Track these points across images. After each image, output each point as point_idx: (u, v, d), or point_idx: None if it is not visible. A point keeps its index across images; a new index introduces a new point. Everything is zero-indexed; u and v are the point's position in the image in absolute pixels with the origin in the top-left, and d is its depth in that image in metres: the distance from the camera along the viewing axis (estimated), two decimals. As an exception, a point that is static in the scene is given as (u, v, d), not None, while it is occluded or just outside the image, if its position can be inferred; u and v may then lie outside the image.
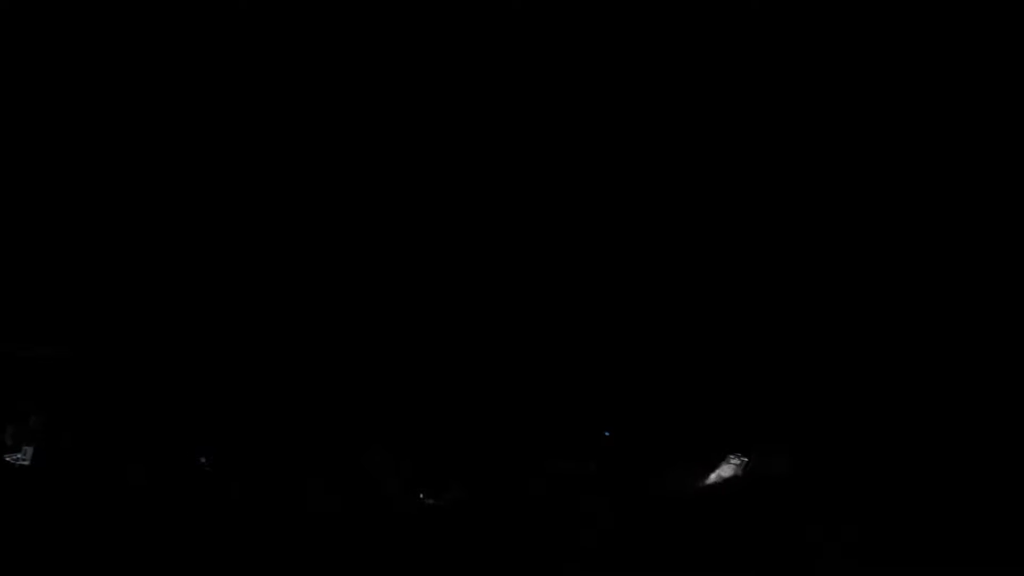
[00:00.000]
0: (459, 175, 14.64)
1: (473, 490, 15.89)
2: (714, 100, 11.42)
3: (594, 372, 14.33)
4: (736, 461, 12.64)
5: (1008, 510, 8.59)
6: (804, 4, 10.26)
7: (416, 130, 13.90)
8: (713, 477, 13.17)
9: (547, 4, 10.56)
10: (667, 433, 13.94)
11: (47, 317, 13.42)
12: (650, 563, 10.22)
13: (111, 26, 11.21)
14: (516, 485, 15.48)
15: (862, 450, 11.11)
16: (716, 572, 9.85)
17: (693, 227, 13.10)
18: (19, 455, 13.35)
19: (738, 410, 13.04)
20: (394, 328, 16.07)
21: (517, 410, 15.73)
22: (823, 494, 10.68)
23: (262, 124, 12.96)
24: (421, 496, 15.47)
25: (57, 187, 12.67)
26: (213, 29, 11.47)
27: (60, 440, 13.51)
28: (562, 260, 14.29)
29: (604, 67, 11.79)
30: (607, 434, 13.71)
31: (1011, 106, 10.44)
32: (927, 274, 11.63)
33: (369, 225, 16.03)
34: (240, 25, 11.39)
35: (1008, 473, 9.21)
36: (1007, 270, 11.19)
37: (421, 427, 16.80)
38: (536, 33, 11.12)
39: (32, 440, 13.71)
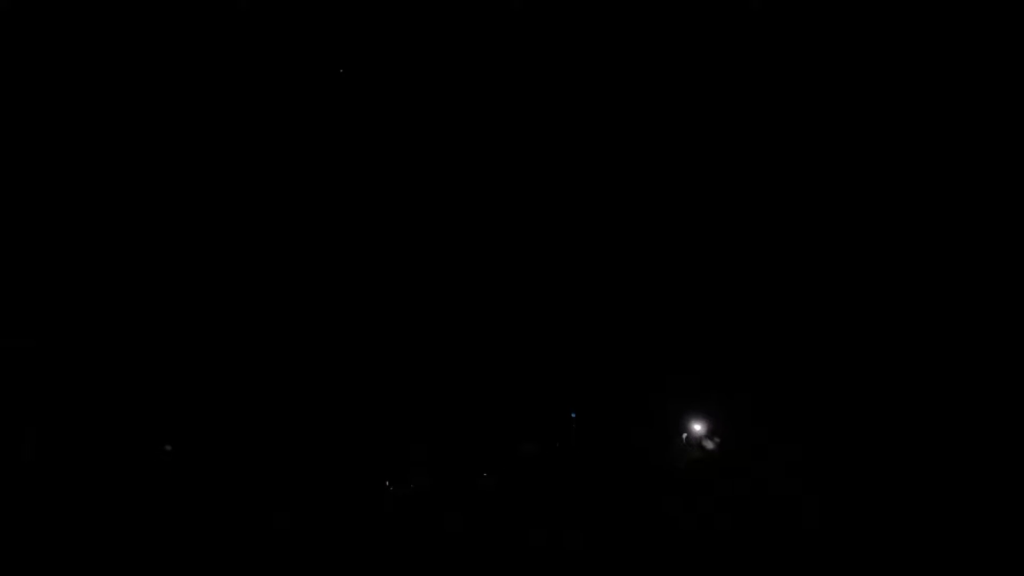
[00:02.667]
0: (421, 171, 16.34)
1: (441, 477, 17.31)
2: (712, 98, 13.52)
3: (558, 357, 16.44)
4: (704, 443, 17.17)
5: (1007, 510, 10.40)
6: (804, 4, 10.20)
7: (412, 130, 15.96)
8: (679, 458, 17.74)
9: (547, 4, 11.83)
10: (633, 414, 17.23)
11: (13, 310, 12.15)
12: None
13: (111, 26, 10.30)
14: (483, 470, 17.61)
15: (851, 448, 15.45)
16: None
17: (662, 220, 15.24)
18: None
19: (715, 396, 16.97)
20: (363, 323, 16.86)
21: (482, 396, 16.91)
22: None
23: (237, 113, 11.59)
24: (388, 485, 16.88)
25: (24, 180, 11.38)
26: (213, 29, 10.32)
27: (25, 432, 12.85)
28: (529, 254, 16.19)
29: (604, 67, 13.33)
30: (573, 415, 17.02)
31: (1009, 107, 10.32)
32: (911, 270, 12.56)
33: (332, 217, 16.65)
34: (240, 25, 10.33)
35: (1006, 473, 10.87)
36: (1006, 270, 11.38)
37: (392, 418, 17.35)
38: (536, 33, 12.53)
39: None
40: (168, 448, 13.74)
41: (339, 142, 12.23)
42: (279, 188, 13.58)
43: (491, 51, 10.39)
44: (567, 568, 14.78)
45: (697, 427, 16.50)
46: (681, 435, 16.16)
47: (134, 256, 13.03)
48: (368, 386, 19.43)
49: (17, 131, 10.33)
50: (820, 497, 13.11)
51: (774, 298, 12.61)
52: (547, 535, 16.94)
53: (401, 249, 15.41)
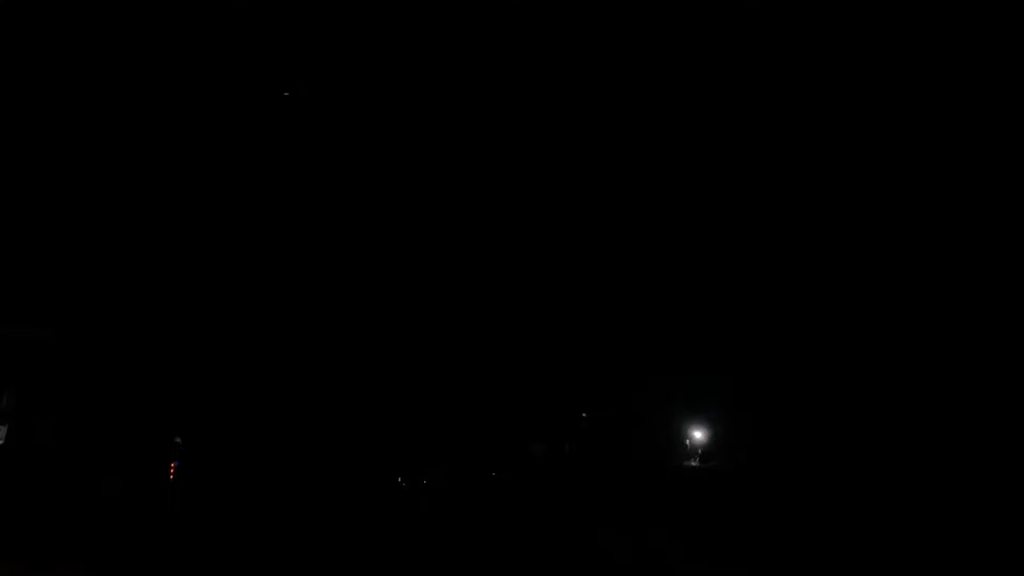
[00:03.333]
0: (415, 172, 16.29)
1: (454, 476, 17.41)
2: (710, 100, 13.42)
3: (568, 358, 16.48)
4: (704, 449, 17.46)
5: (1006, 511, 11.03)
6: (804, 4, 12.29)
7: (408, 130, 15.93)
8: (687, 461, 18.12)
9: (547, 4, 11.69)
10: (639, 417, 17.32)
11: (25, 298, 12.16)
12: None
13: (111, 26, 11.11)
14: (494, 471, 17.68)
15: (850, 449, 15.61)
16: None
17: (665, 224, 15.24)
18: (-7, 433, 13.37)
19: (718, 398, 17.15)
20: (371, 322, 17.01)
21: (493, 397, 16.97)
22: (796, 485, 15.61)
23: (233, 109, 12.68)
24: (401, 482, 16.93)
25: (38, 174, 11.85)
26: (213, 29, 11.33)
27: (34, 421, 13.08)
28: (536, 255, 16.18)
29: (603, 67, 13.19)
30: (584, 415, 17.03)
31: (1009, 107, 11.21)
32: (909, 271, 15.45)
33: (331, 217, 16.81)
34: (240, 25, 13.03)
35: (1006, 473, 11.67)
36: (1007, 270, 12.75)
37: (400, 417, 17.47)
38: (536, 33, 12.37)
39: (5, 420, 13.31)
40: (179, 440, 13.93)
41: (341, 144, 12.35)
42: (295, 186, 13.76)
43: (491, 51, 10.45)
44: (576, 569, 14.70)
45: (701, 431, 16.45)
46: (685, 440, 16.16)
47: (150, 250, 13.26)
48: (382, 387, 19.79)
49: (26, 129, 10.61)
50: (821, 498, 12.97)
51: (778, 301, 12.54)
52: (557, 535, 16.93)
53: (416, 255, 15.55)
